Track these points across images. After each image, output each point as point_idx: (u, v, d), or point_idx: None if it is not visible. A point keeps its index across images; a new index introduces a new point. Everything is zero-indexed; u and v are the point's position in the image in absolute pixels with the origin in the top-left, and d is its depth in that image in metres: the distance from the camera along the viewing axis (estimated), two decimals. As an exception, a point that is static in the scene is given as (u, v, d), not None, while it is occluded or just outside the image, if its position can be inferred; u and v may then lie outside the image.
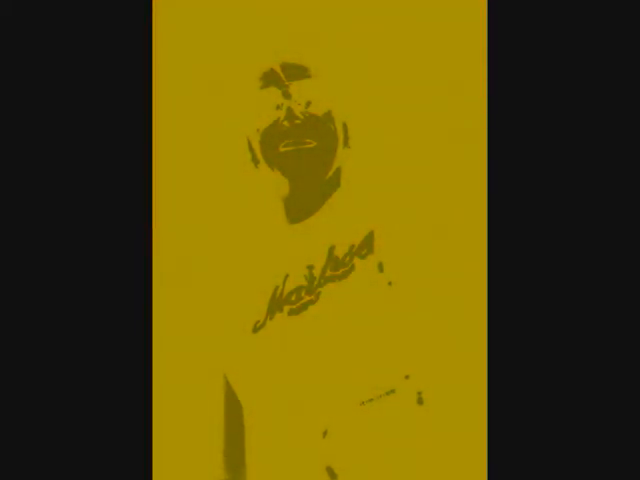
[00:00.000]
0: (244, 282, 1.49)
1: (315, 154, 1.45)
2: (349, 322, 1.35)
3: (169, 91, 1.67)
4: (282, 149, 1.45)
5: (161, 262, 1.54)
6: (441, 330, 1.34)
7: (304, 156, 1.45)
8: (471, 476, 1.31)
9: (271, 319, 1.42)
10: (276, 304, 1.42)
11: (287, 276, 1.43)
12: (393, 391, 1.32)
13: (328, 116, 1.47)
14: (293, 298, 1.41)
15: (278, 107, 1.46)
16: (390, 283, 1.36)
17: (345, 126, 1.51)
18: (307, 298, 1.40)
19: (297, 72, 1.47)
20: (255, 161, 1.51)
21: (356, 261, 1.40)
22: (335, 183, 1.51)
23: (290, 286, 1.42)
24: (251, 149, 1.52)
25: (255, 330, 1.43)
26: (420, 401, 1.31)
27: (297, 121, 1.45)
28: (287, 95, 1.46)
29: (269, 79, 1.47)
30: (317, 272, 1.41)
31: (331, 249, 1.42)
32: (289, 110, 1.45)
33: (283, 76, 1.47)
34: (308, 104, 1.46)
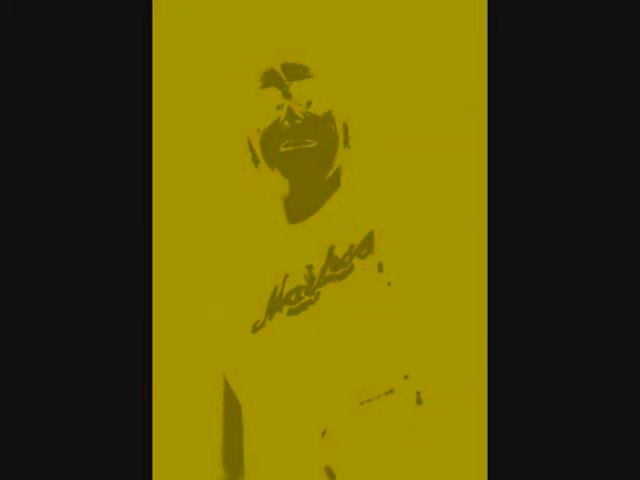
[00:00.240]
0: (244, 282, 1.49)
1: (315, 154, 1.45)
2: (348, 322, 1.35)
3: (169, 91, 1.67)
4: (282, 149, 1.45)
5: (161, 262, 1.54)
6: (440, 330, 1.34)
7: (304, 156, 1.45)
8: (471, 476, 1.31)
9: (270, 319, 1.42)
10: (276, 304, 1.42)
11: (287, 276, 1.43)
12: (392, 391, 1.32)
13: (328, 116, 1.47)
14: (293, 298, 1.41)
15: (278, 107, 1.46)
16: (389, 283, 1.36)
17: (345, 126, 1.51)
18: (307, 298, 1.40)
19: (297, 72, 1.47)
20: (255, 161, 1.51)
21: (356, 261, 1.39)
22: (335, 183, 1.51)
23: (290, 286, 1.42)
24: (251, 149, 1.52)
25: (254, 330, 1.43)
26: (419, 401, 1.31)
27: (297, 121, 1.44)
28: (287, 95, 1.46)
29: (269, 79, 1.47)
30: (317, 272, 1.41)
31: (331, 249, 1.42)
32: (289, 110, 1.45)
33: (283, 76, 1.47)
34: (308, 104, 1.46)
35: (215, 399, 1.52)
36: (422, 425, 1.31)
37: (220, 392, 1.51)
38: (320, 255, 1.42)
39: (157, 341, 1.46)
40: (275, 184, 1.49)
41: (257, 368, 1.41)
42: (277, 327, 1.41)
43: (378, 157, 1.62)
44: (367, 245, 1.41)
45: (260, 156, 1.49)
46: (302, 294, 1.41)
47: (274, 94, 1.46)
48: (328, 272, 1.40)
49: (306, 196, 1.49)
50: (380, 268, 1.38)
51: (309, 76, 1.47)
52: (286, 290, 1.42)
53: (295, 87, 1.46)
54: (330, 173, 1.49)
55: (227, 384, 1.50)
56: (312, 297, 1.40)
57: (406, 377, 1.32)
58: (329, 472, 1.33)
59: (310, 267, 1.42)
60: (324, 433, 1.34)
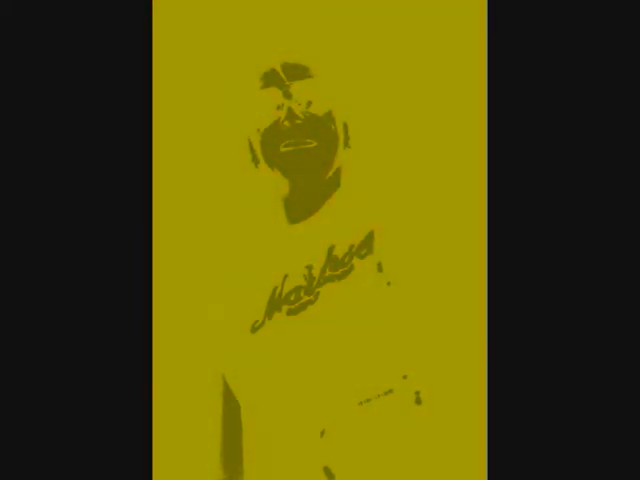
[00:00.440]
0: (243, 282, 1.48)
1: (315, 154, 1.45)
2: (347, 322, 1.35)
3: (169, 91, 1.67)
4: (282, 149, 1.45)
5: (161, 262, 1.54)
6: (440, 330, 1.34)
7: (304, 156, 1.45)
8: (470, 476, 1.31)
9: (270, 319, 1.42)
10: (275, 304, 1.42)
11: (286, 276, 1.43)
12: (391, 391, 1.32)
13: (329, 116, 1.47)
14: (292, 298, 1.41)
15: (279, 107, 1.46)
16: (389, 283, 1.36)
17: (346, 126, 1.51)
18: (306, 298, 1.40)
19: (298, 72, 1.47)
20: (255, 161, 1.51)
21: (355, 261, 1.39)
22: (335, 183, 1.51)
23: (289, 286, 1.42)
24: (252, 149, 1.51)
25: (254, 330, 1.43)
26: (418, 401, 1.31)
27: (298, 121, 1.44)
28: (288, 95, 1.46)
29: (270, 79, 1.47)
30: (316, 272, 1.41)
31: (331, 249, 1.42)
32: (290, 110, 1.45)
33: (284, 76, 1.46)
34: (309, 104, 1.46)
35: (214, 399, 1.52)
36: (421, 425, 1.31)
37: (219, 392, 1.52)
38: (320, 255, 1.42)
39: (157, 341, 1.46)
40: (275, 184, 1.50)
41: (256, 368, 1.41)
42: (276, 327, 1.41)
43: (378, 157, 1.62)
44: (367, 245, 1.41)
45: (260, 156, 1.49)
46: (301, 294, 1.41)
47: (274, 94, 1.46)
48: (328, 272, 1.40)
49: (306, 196, 1.49)
50: (380, 268, 1.38)
51: (309, 76, 1.47)
52: (285, 290, 1.42)
53: (295, 87, 1.46)
54: (330, 173, 1.49)
55: (226, 384, 1.50)
56: (311, 297, 1.40)
57: (405, 377, 1.32)
58: (328, 472, 1.33)
59: (310, 267, 1.42)
60: (323, 433, 1.34)
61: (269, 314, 1.42)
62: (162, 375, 1.52)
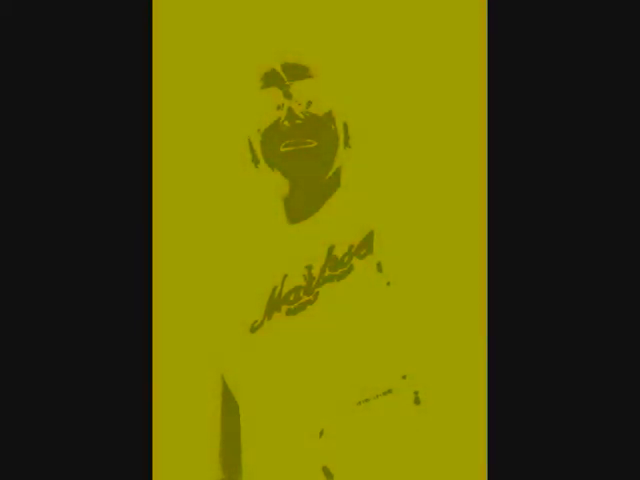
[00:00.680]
0: (243, 282, 1.49)
1: (315, 154, 1.45)
2: (347, 322, 1.35)
3: (169, 91, 1.67)
4: (282, 149, 1.45)
5: (161, 261, 1.54)
6: (439, 330, 1.34)
7: (304, 156, 1.45)
8: (469, 476, 1.31)
9: (269, 319, 1.42)
10: (274, 304, 1.42)
11: (286, 276, 1.43)
12: (390, 391, 1.32)
13: (329, 116, 1.47)
14: (291, 298, 1.41)
15: (279, 107, 1.46)
16: (389, 283, 1.36)
17: (346, 126, 1.51)
18: (305, 298, 1.40)
19: (298, 72, 1.47)
20: (255, 161, 1.51)
21: (355, 261, 1.39)
22: (335, 183, 1.51)
23: (289, 286, 1.42)
24: (252, 149, 1.52)
25: (253, 330, 1.43)
26: (417, 401, 1.31)
27: (298, 121, 1.44)
28: (288, 95, 1.46)
29: (270, 79, 1.47)
30: (316, 272, 1.41)
31: (330, 249, 1.42)
32: (290, 110, 1.45)
33: (284, 76, 1.46)
34: (309, 104, 1.46)
35: (213, 399, 1.52)
36: (420, 425, 1.31)
37: (218, 392, 1.51)
38: (320, 255, 1.42)
39: (156, 340, 1.46)
40: (275, 184, 1.50)
41: (255, 368, 1.41)
42: (275, 327, 1.41)
43: (378, 157, 1.62)
44: (366, 245, 1.40)
45: (260, 156, 1.49)
46: (301, 294, 1.41)
47: (275, 94, 1.46)
48: (327, 272, 1.40)
49: (306, 196, 1.49)
50: (379, 268, 1.38)
51: (309, 76, 1.47)
52: (285, 290, 1.42)
53: (296, 87, 1.46)
54: (330, 173, 1.49)
55: (225, 384, 1.50)
56: (311, 297, 1.40)
57: (404, 377, 1.32)
58: (327, 472, 1.32)
59: (309, 267, 1.42)
60: (322, 433, 1.34)
61: (268, 314, 1.42)
62: (162, 375, 1.52)
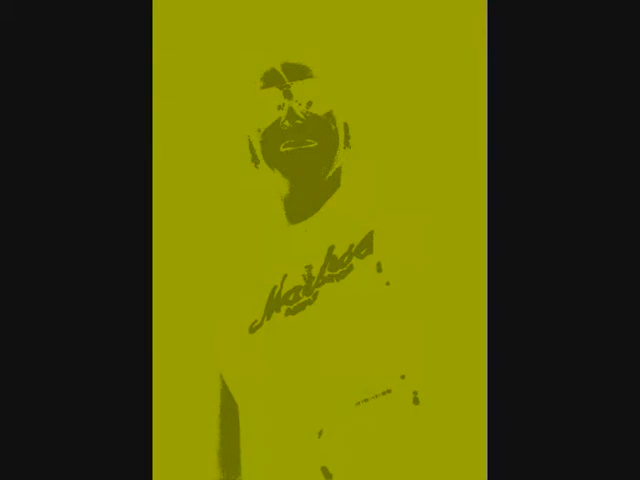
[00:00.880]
0: (242, 282, 1.49)
1: (316, 154, 1.45)
2: (346, 322, 1.35)
3: (169, 91, 1.67)
4: (282, 149, 1.45)
5: (161, 261, 1.54)
6: (438, 330, 1.34)
7: (304, 156, 1.45)
8: (468, 476, 1.31)
9: (268, 319, 1.42)
10: (274, 304, 1.42)
11: (285, 276, 1.43)
12: (389, 391, 1.32)
13: (329, 116, 1.47)
14: (291, 298, 1.41)
15: (279, 107, 1.46)
16: (388, 283, 1.36)
17: (346, 126, 1.51)
18: (305, 298, 1.40)
19: (298, 72, 1.47)
20: (255, 161, 1.51)
21: (354, 261, 1.39)
22: (335, 183, 1.51)
23: (288, 286, 1.42)
24: (252, 149, 1.52)
25: (252, 330, 1.43)
26: (416, 401, 1.31)
27: (298, 121, 1.44)
28: (288, 95, 1.46)
29: (270, 79, 1.47)
30: (315, 272, 1.41)
31: (330, 249, 1.42)
32: (290, 110, 1.45)
33: (284, 76, 1.46)
34: (309, 104, 1.46)
35: (212, 399, 1.52)
36: (419, 425, 1.31)
37: (217, 391, 1.52)
38: (319, 255, 1.42)
39: (156, 340, 1.46)
40: (275, 184, 1.50)
41: (254, 368, 1.41)
42: (275, 327, 1.41)
43: (378, 157, 1.62)
44: (366, 245, 1.40)
45: (260, 156, 1.49)
46: (300, 294, 1.41)
47: (275, 94, 1.46)
48: (327, 272, 1.40)
49: (306, 196, 1.49)
50: (379, 268, 1.37)
51: (310, 76, 1.47)
52: (284, 290, 1.42)
53: (296, 87, 1.46)
54: (330, 173, 1.49)
55: (224, 384, 1.50)
56: (310, 297, 1.40)
57: (403, 377, 1.31)
58: (325, 472, 1.32)
59: (309, 267, 1.42)
60: (321, 433, 1.34)
61: (268, 314, 1.42)
62: (161, 375, 1.52)
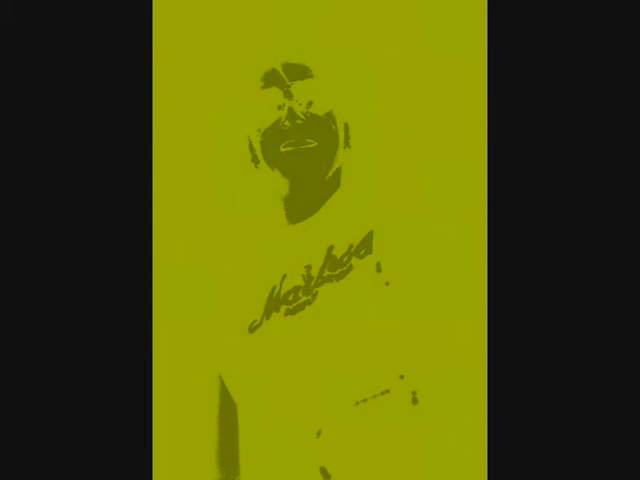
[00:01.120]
0: (242, 282, 1.49)
1: (316, 154, 1.45)
2: (345, 322, 1.35)
3: (169, 91, 1.67)
4: (282, 149, 1.45)
5: (160, 261, 1.54)
6: (438, 331, 1.34)
7: (304, 156, 1.45)
8: (468, 476, 1.31)
9: (267, 319, 1.42)
10: (273, 304, 1.42)
11: (285, 276, 1.43)
12: (388, 391, 1.32)
13: (329, 116, 1.47)
14: (290, 298, 1.41)
15: (279, 107, 1.46)
16: (387, 283, 1.36)
17: (346, 126, 1.51)
18: (304, 298, 1.40)
19: (299, 72, 1.47)
20: (255, 161, 1.51)
21: (354, 261, 1.39)
22: (335, 183, 1.51)
23: (288, 286, 1.42)
24: (252, 149, 1.52)
25: (251, 330, 1.43)
26: (415, 401, 1.31)
27: (298, 121, 1.45)
28: (289, 95, 1.46)
29: (271, 79, 1.47)
30: (315, 272, 1.41)
31: (330, 249, 1.42)
32: (290, 110, 1.45)
33: (285, 76, 1.47)
34: (309, 104, 1.46)
35: (211, 399, 1.52)
36: (418, 425, 1.31)
37: (216, 392, 1.52)
38: (319, 255, 1.42)
39: (156, 340, 1.46)
40: (275, 184, 1.50)
41: (253, 368, 1.41)
42: (274, 327, 1.41)
43: (378, 157, 1.61)
44: (366, 245, 1.41)
45: (260, 156, 1.49)
46: (299, 294, 1.41)
47: (275, 94, 1.46)
48: (326, 272, 1.40)
49: (306, 196, 1.49)
50: (378, 268, 1.38)
51: (310, 76, 1.47)
52: (284, 290, 1.42)
53: (296, 87, 1.46)
54: (330, 173, 1.49)
55: (223, 384, 1.50)
56: (309, 297, 1.40)
57: (402, 377, 1.32)
58: (324, 472, 1.32)
59: (308, 267, 1.42)
60: (319, 433, 1.34)
61: (267, 314, 1.42)
62: (161, 374, 1.52)
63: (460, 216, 1.43)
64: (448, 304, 1.35)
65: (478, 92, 1.45)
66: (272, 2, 1.69)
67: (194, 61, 1.73)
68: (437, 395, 1.32)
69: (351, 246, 1.41)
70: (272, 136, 1.46)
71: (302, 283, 1.41)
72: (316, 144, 1.45)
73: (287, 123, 1.45)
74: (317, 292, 1.39)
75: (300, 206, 1.49)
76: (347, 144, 1.51)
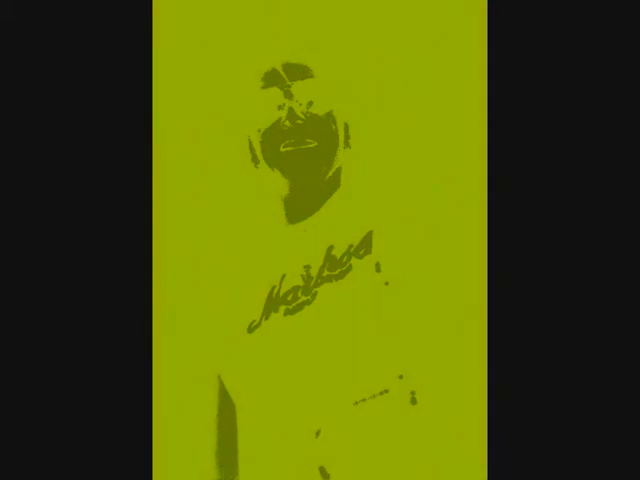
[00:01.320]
0: (241, 282, 1.49)
1: (316, 154, 1.45)
2: (344, 322, 1.35)
3: (169, 91, 1.67)
4: (282, 149, 1.45)
5: (160, 261, 1.54)
6: (437, 331, 1.34)
7: (304, 156, 1.45)
8: (467, 476, 1.31)
9: (267, 319, 1.42)
10: (272, 304, 1.43)
11: (284, 276, 1.43)
12: (387, 391, 1.32)
13: (329, 116, 1.47)
14: (289, 298, 1.41)
15: (280, 107, 1.46)
16: (387, 283, 1.36)
17: (346, 126, 1.51)
18: (303, 298, 1.40)
19: (299, 72, 1.47)
20: (255, 161, 1.52)
21: (353, 261, 1.39)
22: (335, 183, 1.51)
23: (287, 286, 1.42)
24: (252, 149, 1.52)
25: (250, 330, 1.43)
26: (413, 401, 1.31)
27: (298, 121, 1.45)
28: (289, 95, 1.46)
29: (271, 79, 1.47)
30: (314, 272, 1.41)
31: (329, 249, 1.42)
32: (290, 110, 1.45)
33: (285, 76, 1.47)
34: (310, 104, 1.46)
35: (210, 399, 1.52)
36: (416, 425, 1.31)
37: (215, 392, 1.52)
38: (318, 255, 1.43)
39: (155, 340, 1.46)
40: (275, 184, 1.50)
41: (252, 368, 1.41)
42: (273, 327, 1.41)
43: (378, 157, 1.61)
44: (365, 245, 1.41)
45: (260, 156, 1.49)
46: (299, 294, 1.41)
47: (275, 94, 1.46)
48: (326, 272, 1.40)
49: (306, 196, 1.49)
50: (378, 268, 1.38)
51: (310, 76, 1.47)
52: (283, 290, 1.42)
53: (296, 87, 1.46)
54: (330, 173, 1.49)
55: (222, 384, 1.50)
56: (309, 297, 1.40)
57: (401, 377, 1.32)
58: (323, 472, 1.32)
59: (308, 267, 1.42)
60: (318, 433, 1.34)
61: (266, 314, 1.43)
62: (160, 374, 1.52)
63: (460, 216, 1.43)
64: (447, 304, 1.35)
65: (478, 92, 1.45)
66: (272, 2, 1.69)
67: (194, 61, 1.73)
68: (436, 395, 1.32)
69: (351, 246, 1.41)
70: (272, 136, 1.46)
71: (301, 283, 1.41)
72: (316, 144, 1.45)
73: (287, 123, 1.45)
74: (316, 292, 1.40)
75: (300, 206, 1.49)
76: (347, 144, 1.51)
